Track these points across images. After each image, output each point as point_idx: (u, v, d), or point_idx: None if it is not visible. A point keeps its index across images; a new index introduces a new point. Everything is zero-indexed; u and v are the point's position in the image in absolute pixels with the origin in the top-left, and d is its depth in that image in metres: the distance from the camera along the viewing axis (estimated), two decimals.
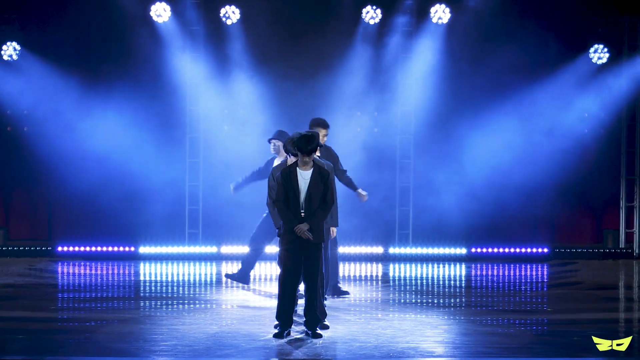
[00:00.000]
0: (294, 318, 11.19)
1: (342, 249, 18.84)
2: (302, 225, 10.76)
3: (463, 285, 16.32)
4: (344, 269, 17.88)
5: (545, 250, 19.74)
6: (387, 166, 19.43)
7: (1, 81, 19.04)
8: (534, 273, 17.97)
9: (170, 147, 19.26)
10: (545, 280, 17.21)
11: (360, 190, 13.84)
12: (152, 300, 13.94)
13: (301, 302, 11.32)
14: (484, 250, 19.62)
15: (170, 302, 13.78)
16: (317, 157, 11.52)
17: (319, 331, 10.91)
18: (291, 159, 11.41)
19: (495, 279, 17.35)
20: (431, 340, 10.91)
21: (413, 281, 16.62)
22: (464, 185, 19.32)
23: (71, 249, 19.26)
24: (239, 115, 19.43)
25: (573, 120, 19.64)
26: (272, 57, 19.27)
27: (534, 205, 19.73)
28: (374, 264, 18.77)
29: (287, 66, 19.21)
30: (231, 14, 19.14)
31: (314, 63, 19.14)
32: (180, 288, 15.38)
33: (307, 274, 10.88)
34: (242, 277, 14.84)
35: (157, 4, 18.99)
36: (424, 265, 18.80)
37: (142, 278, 16.96)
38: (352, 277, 16.81)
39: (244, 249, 19.15)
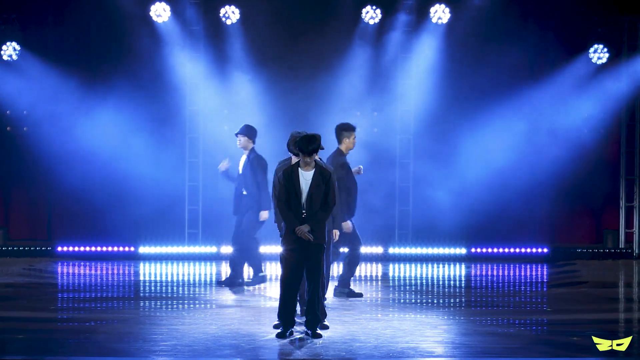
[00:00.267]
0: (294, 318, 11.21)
1: (342, 249, 18.82)
2: (303, 226, 10.76)
3: (463, 285, 16.32)
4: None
5: (545, 250, 19.74)
6: (386, 166, 19.42)
7: (1, 81, 19.02)
8: (533, 273, 17.97)
9: (169, 147, 19.26)
10: (545, 281, 17.21)
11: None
12: (152, 300, 13.94)
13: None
14: (484, 250, 19.61)
15: (170, 302, 13.78)
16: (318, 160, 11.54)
17: (319, 331, 10.92)
18: (295, 158, 11.40)
19: (495, 279, 17.35)
20: (431, 340, 10.91)
21: (413, 281, 16.63)
22: (463, 185, 19.31)
23: (71, 248, 19.25)
24: (238, 115, 19.40)
25: (573, 120, 19.63)
26: (272, 57, 19.27)
27: (534, 205, 19.72)
28: (374, 264, 18.77)
29: (286, 66, 19.21)
30: (231, 14, 19.13)
31: (313, 63, 19.14)
32: (180, 288, 15.38)
33: (309, 275, 10.88)
34: (234, 279, 14.95)
35: (157, 4, 18.98)
36: (424, 265, 18.80)
37: (141, 278, 16.96)
38: (353, 278, 16.78)
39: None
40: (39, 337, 10.86)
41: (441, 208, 19.21)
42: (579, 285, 16.15)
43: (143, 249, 19.18)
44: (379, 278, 17.10)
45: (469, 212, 19.25)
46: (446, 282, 16.70)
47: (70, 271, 17.70)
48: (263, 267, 15.14)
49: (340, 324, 11.69)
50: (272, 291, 14.20)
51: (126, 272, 17.41)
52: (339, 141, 13.71)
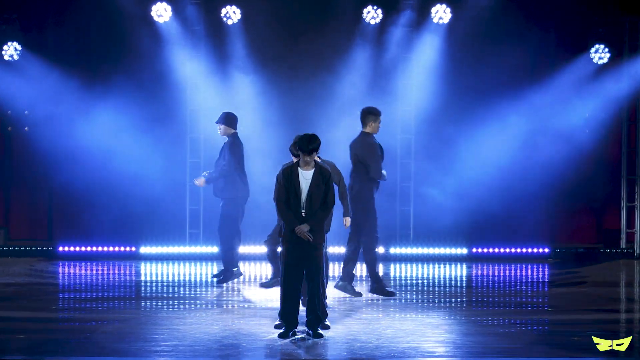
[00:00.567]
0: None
1: (343, 249, 18.82)
2: (303, 226, 10.77)
3: (464, 285, 16.32)
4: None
5: (546, 250, 19.74)
6: (387, 166, 19.24)
7: (2, 81, 19.03)
8: (534, 273, 17.97)
9: (171, 147, 19.27)
10: (546, 280, 17.21)
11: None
12: (153, 301, 13.94)
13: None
14: (485, 250, 19.61)
15: (171, 302, 13.78)
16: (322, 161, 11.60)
17: (320, 331, 10.92)
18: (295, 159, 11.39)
19: (496, 279, 17.35)
20: (432, 340, 10.91)
21: (414, 281, 16.62)
22: (464, 186, 19.31)
23: (72, 249, 19.25)
24: (239, 115, 19.38)
25: (574, 120, 19.62)
26: (273, 57, 19.27)
27: (535, 205, 19.71)
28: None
29: (287, 66, 19.22)
30: (232, 14, 19.13)
31: (314, 63, 19.14)
32: (181, 288, 15.38)
33: (309, 274, 10.88)
34: (231, 274, 14.97)
35: (158, 4, 18.98)
36: (425, 265, 18.80)
37: (142, 278, 16.97)
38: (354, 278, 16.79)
39: (244, 249, 19.18)
40: (39, 337, 10.86)
41: (442, 208, 19.21)
42: (579, 285, 16.15)
43: (144, 249, 19.18)
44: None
45: (470, 212, 19.25)
46: (447, 282, 16.70)
47: (71, 271, 17.70)
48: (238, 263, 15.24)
49: (341, 324, 11.69)
50: (273, 291, 14.19)
51: (127, 272, 17.41)
52: (364, 124, 14.27)
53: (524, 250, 19.69)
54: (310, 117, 18.59)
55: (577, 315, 12.77)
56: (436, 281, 16.91)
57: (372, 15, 19.16)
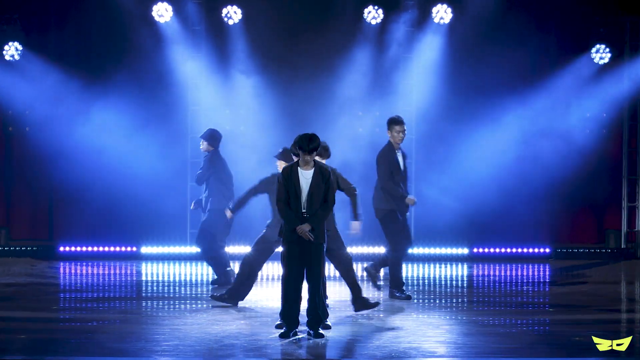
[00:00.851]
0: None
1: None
2: (304, 225, 10.77)
3: (465, 285, 16.32)
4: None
5: (547, 250, 19.74)
6: None
7: (3, 81, 19.04)
8: (535, 273, 17.97)
9: (172, 147, 19.26)
10: (547, 280, 17.21)
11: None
12: (154, 300, 13.94)
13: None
14: (486, 250, 19.61)
15: (172, 302, 13.78)
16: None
17: (321, 331, 10.91)
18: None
19: (497, 279, 17.35)
20: (433, 340, 10.91)
21: (415, 281, 16.62)
22: (465, 186, 19.30)
23: (73, 249, 19.26)
24: (240, 115, 19.43)
25: (575, 119, 19.62)
26: (274, 57, 19.27)
27: (536, 205, 19.70)
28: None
29: (288, 66, 19.21)
30: (233, 14, 19.13)
31: (315, 63, 19.13)
32: (182, 288, 15.39)
33: (309, 274, 10.88)
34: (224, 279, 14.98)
35: (159, 4, 18.98)
36: (426, 265, 18.79)
37: (143, 278, 16.97)
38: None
39: (246, 249, 19.17)
40: (40, 337, 10.87)
41: (443, 208, 19.19)
42: (580, 285, 16.15)
43: (145, 249, 19.19)
44: (381, 278, 17.09)
45: (471, 212, 19.24)
46: (448, 282, 16.70)
47: (72, 271, 17.71)
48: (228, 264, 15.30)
49: (342, 324, 11.69)
50: (274, 291, 14.19)
51: (128, 272, 17.42)
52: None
53: (525, 250, 19.69)
54: (311, 117, 18.59)
55: (578, 315, 12.77)
56: (437, 281, 16.91)
57: (373, 15, 19.16)
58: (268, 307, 12.92)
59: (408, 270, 18.15)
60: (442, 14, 19.14)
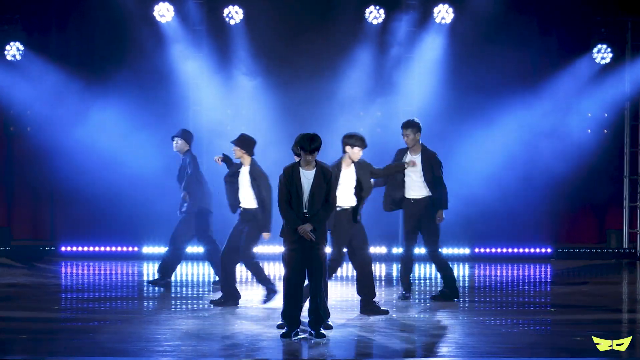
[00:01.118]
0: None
1: (346, 249, 18.80)
2: (306, 225, 10.77)
3: (466, 285, 16.31)
4: (348, 270, 17.90)
5: (549, 250, 19.74)
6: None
7: (4, 81, 19.05)
8: (537, 273, 17.97)
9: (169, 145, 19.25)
10: (549, 280, 17.21)
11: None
12: (156, 300, 13.93)
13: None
14: (488, 250, 19.61)
15: (173, 302, 13.77)
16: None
17: (322, 331, 10.91)
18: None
19: (498, 279, 17.34)
20: (435, 340, 10.91)
21: (416, 281, 16.61)
22: (467, 186, 19.28)
23: (74, 249, 19.27)
24: (242, 115, 19.43)
25: (576, 120, 19.62)
26: (275, 57, 19.27)
27: (537, 205, 19.70)
28: (378, 264, 18.75)
29: (290, 66, 19.20)
30: (234, 14, 19.14)
31: (317, 63, 19.13)
32: (184, 288, 15.38)
33: (311, 274, 10.88)
34: (164, 283, 14.90)
35: (160, 4, 18.99)
36: (427, 265, 18.77)
37: (145, 278, 16.96)
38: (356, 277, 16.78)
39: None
40: (42, 337, 10.86)
41: None
42: (582, 285, 16.15)
43: (146, 249, 19.19)
44: (383, 278, 17.10)
45: (472, 212, 19.22)
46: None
47: (74, 271, 17.71)
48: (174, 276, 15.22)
49: (344, 324, 11.68)
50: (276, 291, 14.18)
51: (129, 272, 17.41)
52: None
53: (527, 250, 19.69)
54: (312, 116, 18.58)
55: (580, 315, 12.76)
56: (439, 281, 16.90)
57: (374, 15, 19.17)
58: (269, 307, 12.92)
59: None
60: (443, 14, 19.14)
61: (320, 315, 10.92)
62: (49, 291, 15.00)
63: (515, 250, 19.67)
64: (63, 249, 19.32)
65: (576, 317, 12.58)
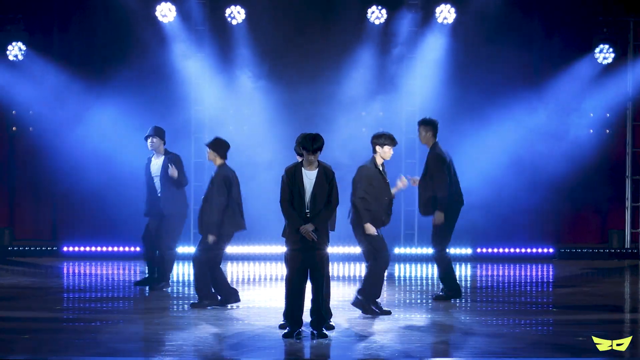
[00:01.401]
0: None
1: (348, 249, 18.84)
2: (308, 225, 10.76)
3: (468, 285, 16.30)
4: (350, 269, 17.91)
5: (551, 250, 19.73)
6: (392, 166, 19.31)
7: (6, 81, 19.05)
8: (539, 273, 17.96)
9: (175, 147, 19.14)
10: (551, 281, 17.21)
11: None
12: (157, 300, 13.92)
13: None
14: (489, 250, 19.60)
15: (175, 302, 13.77)
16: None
17: (324, 331, 10.91)
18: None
19: (500, 279, 17.34)
20: (437, 340, 10.91)
21: (418, 281, 16.62)
22: (469, 185, 19.19)
23: (76, 249, 19.27)
24: (244, 115, 19.43)
25: (578, 120, 19.61)
26: (277, 58, 19.26)
27: (540, 205, 19.69)
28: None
29: (292, 66, 19.20)
30: (236, 14, 19.13)
31: (319, 63, 19.13)
32: (186, 288, 15.38)
33: (313, 275, 10.88)
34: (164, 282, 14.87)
35: (162, 4, 18.98)
36: (429, 265, 18.76)
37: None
38: (358, 278, 16.80)
39: (249, 249, 19.19)
40: (44, 337, 10.86)
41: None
42: (584, 285, 16.14)
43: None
44: (384, 278, 17.07)
45: (474, 212, 19.20)
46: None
47: (76, 271, 17.72)
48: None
49: (346, 324, 11.68)
50: (278, 291, 14.19)
51: (132, 272, 17.42)
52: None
53: (529, 250, 19.68)
54: (314, 116, 18.58)
55: (582, 316, 12.76)
56: (440, 282, 16.89)
57: (376, 15, 19.16)
58: (272, 307, 12.91)
59: (412, 271, 18.15)
60: (445, 14, 19.13)
61: (322, 315, 10.92)
62: (50, 291, 15.00)
63: (517, 250, 19.66)
64: (65, 249, 19.32)
65: (578, 317, 12.58)
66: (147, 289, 14.76)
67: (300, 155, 11.17)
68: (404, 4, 19.23)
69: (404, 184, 13.02)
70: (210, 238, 12.91)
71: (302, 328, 10.92)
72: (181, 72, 19.18)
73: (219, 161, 13.28)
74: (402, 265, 18.72)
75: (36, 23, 19.24)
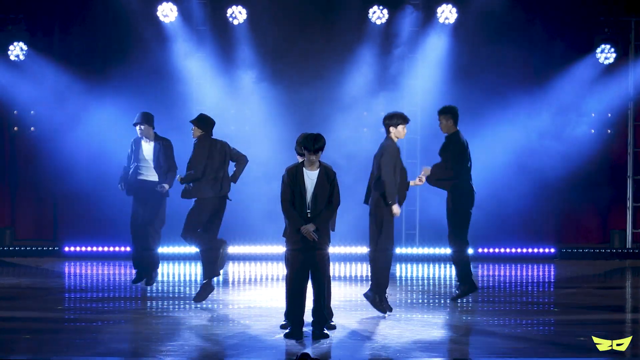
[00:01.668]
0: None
1: (349, 249, 18.84)
2: (309, 225, 10.76)
3: None
4: (351, 269, 17.90)
5: (552, 250, 19.73)
6: None
7: (8, 81, 19.06)
8: (540, 273, 17.95)
9: (176, 147, 19.20)
10: (552, 281, 17.20)
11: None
12: (159, 300, 13.92)
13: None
14: (491, 250, 19.60)
15: (176, 302, 13.77)
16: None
17: (326, 331, 10.91)
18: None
19: (501, 279, 17.33)
20: (438, 340, 10.91)
21: (420, 281, 16.62)
22: None
23: (77, 249, 19.27)
24: (245, 115, 19.43)
25: (580, 120, 19.61)
26: (279, 57, 19.26)
27: (541, 205, 19.69)
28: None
29: (293, 66, 19.20)
30: (238, 14, 19.13)
31: (320, 63, 19.13)
32: (187, 288, 15.38)
33: (314, 275, 10.87)
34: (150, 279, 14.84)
35: (164, 4, 18.98)
36: (431, 265, 18.78)
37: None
38: (359, 277, 16.80)
39: (251, 249, 19.19)
40: (45, 337, 10.87)
41: None
42: (585, 285, 16.13)
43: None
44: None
45: (475, 212, 19.16)
46: (453, 282, 16.67)
47: (77, 271, 17.72)
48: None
49: (347, 324, 11.68)
50: (279, 291, 14.18)
51: (133, 272, 17.41)
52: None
53: (530, 250, 19.68)
54: (316, 116, 18.59)
55: (583, 316, 12.76)
56: (442, 281, 16.91)
57: (377, 15, 19.16)
58: (273, 307, 12.90)
59: (413, 270, 18.15)
60: (447, 14, 19.13)
61: (323, 315, 10.92)
62: (51, 291, 15.01)
63: (519, 250, 19.66)
64: (66, 249, 19.32)
65: (579, 318, 12.57)
66: (144, 285, 14.77)
67: (301, 155, 11.15)
68: (405, 4, 19.23)
69: (422, 181, 13.01)
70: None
71: (304, 328, 10.92)
72: (182, 72, 19.18)
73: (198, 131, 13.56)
74: (403, 265, 18.71)
75: (37, 23, 19.25)
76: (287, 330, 10.90)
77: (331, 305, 11.47)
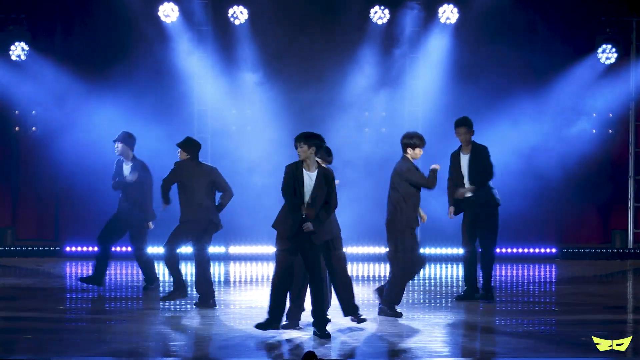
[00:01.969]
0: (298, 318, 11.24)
1: (349, 249, 18.82)
2: (306, 225, 10.74)
3: None
4: (351, 269, 17.90)
5: (553, 250, 19.72)
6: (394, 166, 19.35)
7: (9, 81, 19.06)
8: (542, 273, 17.95)
9: (176, 148, 19.23)
10: (553, 281, 17.20)
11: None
12: (159, 301, 13.91)
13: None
14: None
15: (178, 302, 13.76)
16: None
17: (327, 331, 10.90)
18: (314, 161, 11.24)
19: (503, 279, 17.32)
20: (439, 340, 10.91)
21: (420, 282, 16.60)
22: None
23: (78, 249, 19.27)
24: (246, 115, 19.43)
25: (581, 120, 19.60)
26: (280, 57, 19.27)
27: (542, 205, 19.69)
28: (381, 264, 18.72)
29: (294, 66, 19.20)
30: (239, 14, 19.14)
31: (322, 63, 19.13)
32: (188, 288, 15.35)
33: (310, 276, 10.87)
34: (96, 279, 14.75)
35: (165, 4, 18.99)
36: (431, 265, 18.76)
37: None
38: (359, 278, 16.80)
39: (252, 249, 19.19)
40: (46, 337, 10.87)
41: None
42: (587, 285, 16.13)
43: (150, 249, 19.14)
44: (387, 278, 17.06)
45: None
46: (454, 282, 16.67)
47: (78, 271, 17.71)
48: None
49: (349, 324, 11.67)
50: None
51: (134, 272, 17.41)
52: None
53: (531, 250, 19.67)
54: (317, 116, 18.58)
55: (585, 316, 12.75)
56: (443, 281, 16.90)
57: (379, 15, 19.16)
58: None
59: None
60: (448, 14, 19.13)
61: (325, 315, 10.91)
62: (53, 291, 15.01)
63: (520, 250, 19.65)
64: (68, 249, 19.32)
65: (581, 318, 12.57)
66: (146, 285, 14.81)
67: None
68: (407, 4, 19.23)
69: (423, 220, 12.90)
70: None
71: (304, 329, 10.90)
72: (184, 72, 19.19)
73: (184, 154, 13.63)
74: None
75: (39, 23, 19.27)
76: (262, 322, 10.92)
77: (330, 305, 11.47)
